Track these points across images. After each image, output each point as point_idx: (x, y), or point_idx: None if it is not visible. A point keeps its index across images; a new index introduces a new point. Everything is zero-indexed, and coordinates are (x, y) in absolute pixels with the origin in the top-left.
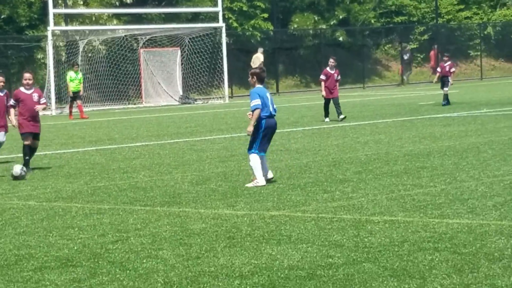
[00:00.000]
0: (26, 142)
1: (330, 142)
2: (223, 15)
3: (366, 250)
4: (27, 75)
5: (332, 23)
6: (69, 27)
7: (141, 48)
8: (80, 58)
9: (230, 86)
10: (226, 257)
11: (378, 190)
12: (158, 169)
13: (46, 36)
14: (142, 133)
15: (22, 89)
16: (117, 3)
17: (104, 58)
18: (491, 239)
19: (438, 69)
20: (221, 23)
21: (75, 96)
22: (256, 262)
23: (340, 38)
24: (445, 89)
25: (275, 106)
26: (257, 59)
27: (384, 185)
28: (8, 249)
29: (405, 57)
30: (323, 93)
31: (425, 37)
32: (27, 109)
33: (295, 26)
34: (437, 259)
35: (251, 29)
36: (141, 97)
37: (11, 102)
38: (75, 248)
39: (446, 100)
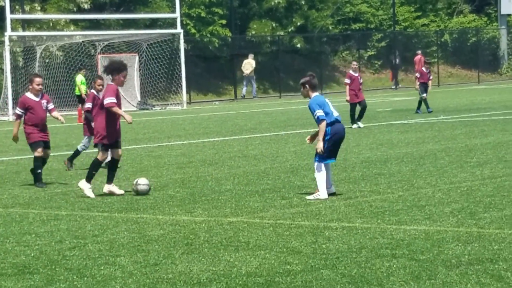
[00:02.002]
0: (37, 154)
1: (288, 148)
2: (181, 21)
3: (324, 257)
4: (38, 79)
5: (290, 29)
6: (27, 33)
7: (99, 53)
8: (37, 63)
9: (188, 92)
10: (184, 264)
11: (336, 197)
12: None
13: (3, 42)
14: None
15: (29, 95)
16: (75, 9)
17: (62, 64)
18: (448, 246)
19: (417, 74)
20: (179, 29)
21: (80, 98)
22: (214, 269)
23: (298, 45)
24: (424, 95)
25: (337, 113)
26: (249, 64)
27: (342, 191)
28: None
29: (395, 62)
30: (348, 97)
31: (383, 44)
32: (36, 117)
33: (253, 32)
34: (394, 266)
35: (209, 35)
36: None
37: (18, 111)
38: (32, 254)
39: (426, 105)
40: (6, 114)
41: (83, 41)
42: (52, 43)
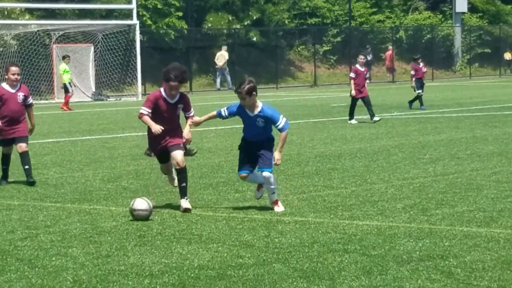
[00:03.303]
0: (5, 151)
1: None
2: (137, 12)
3: (277, 251)
4: (13, 69)
5: (246, 23)
6: None
7: (54, 43)
8: None
9: (143, 83)
10: (137, 256)
11: (289, 191)
12: (69, 166)
13: None
14: (53, 130)
15: (4, 85)
16: None
17: (16, 53)
18: (399, 242)
19: (413, 72)
20: (135, 21)
21: (66, 87)
22: (167, 261)
23: (254, 38)
24: (420, 91)
25: None
26: (222, 56)
27: (295, 185)
28: None
29: (369, 58)
30: (353, 92)
31: (338, 39)
32: (8, 109)
33: (209, 25)
34: (346, 260)
35: (165, 27)
36: (53, 93)
37: None
38: None
39: (421, 102)
40: None
41: (38, 30)
42: (7, 31)
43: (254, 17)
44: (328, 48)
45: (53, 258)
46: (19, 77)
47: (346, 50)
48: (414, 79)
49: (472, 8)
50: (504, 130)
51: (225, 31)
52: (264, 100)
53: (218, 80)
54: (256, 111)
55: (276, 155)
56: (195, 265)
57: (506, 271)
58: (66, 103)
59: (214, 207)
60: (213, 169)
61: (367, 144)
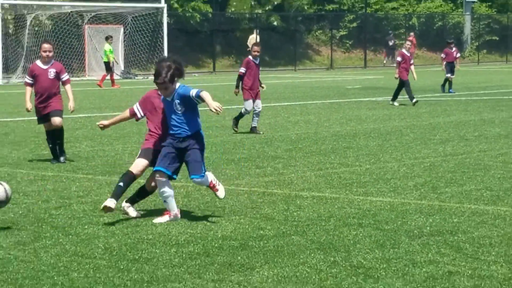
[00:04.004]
0: (46, 127)
1: (263, 121)
2: None
3: (295, 224)
4: (45, 46)
5: (267, 8)
6: (18, 1)
7: (86, 24)
8: (27, 31)
9: None
10: (163, 226)
11: (307, 167)
12: (99, 140)
13: None
14: (85, 105)
15: (38, 62)
16: None
17: (50, 33)
18: (411, 217)
19: (443, 55)
20: (163, 4)
21: (107, 65)
22: (192, 231)
23: (275, 23)
24: (451, 75)
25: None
26: (253, 39)
27: (313, 162)
28: None
29: (390, 43)
30: (396, 75)
31: (354, 24)
32: (39, 86)
33: (233, 9)
34: (361, 234)
35: (191, 10)
36: (85, 71)
37: (26, 78)
38: (20, 212)
39: (450, 86)
40: None
41: (71, 12)
42: (42, 12)
43: (275, 3)
44: (344, 33)
45: (86, 227)
46: (51, 54)
47: (361, 35)
48: (444, 62)
49: None
50: (510, 113)
51: (247, 15)
52: (283, 81)
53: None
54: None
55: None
56: (219, 235)
57: None
58: (112, 81)
59: (236, 182)
60: (235, 146)
61: (380, 125)
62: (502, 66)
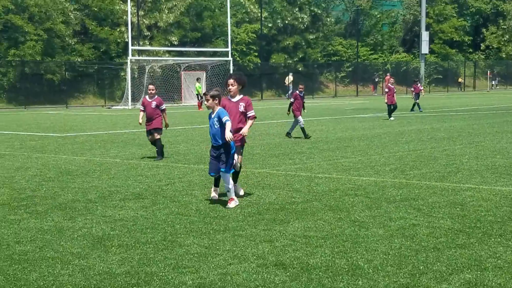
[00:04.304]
0: (150, 139)
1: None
2: (231, 52)
3: (314, 194)
4: (150, 86)
5: (295, 59)
6: (140, 58)
7: (182, 71)
8: (146, 76)
9: None
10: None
11: (321, 159)
12: (191, 142)
13: (126, 62)
14: (182, 121)
15: (147, 97)
16: (168, 44)
17: (160, 76)
18: (388, 190)
19: (412, 89)
20: (229, 58)
21: (199, 95)
22: (250, 199)
23: (300, 68)
24: (417, 100)
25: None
26: (289, 79)
27: (325, 156)
28: (104, 187)
29: (376, 80)
30: (385, 100)
31: (350, 69)
32: (147, 112)
33: (273, 60)
34: (356, 200)
35: (247, 61)
36: (181, 100)
37: (140, 107)
38: (143, 187)
39: (418, 107)
40: (127, 104)
41: (173, 63)
42: (155, 64)
43: (300, 56)
44: (344, 74)
45: (184, 197)
46: (153, 92)
47: (354, 75)
48: (413, 93)
49: (431, 51)
50: (450, 124)
51: (282, 64)
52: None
53: (289, 92)
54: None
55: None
56: (266, 201)
57: (453, 208)
58: (199, 106)
59: (277, 168)
60: (276, 146)
61: (367, 132)
62: (444, 94)
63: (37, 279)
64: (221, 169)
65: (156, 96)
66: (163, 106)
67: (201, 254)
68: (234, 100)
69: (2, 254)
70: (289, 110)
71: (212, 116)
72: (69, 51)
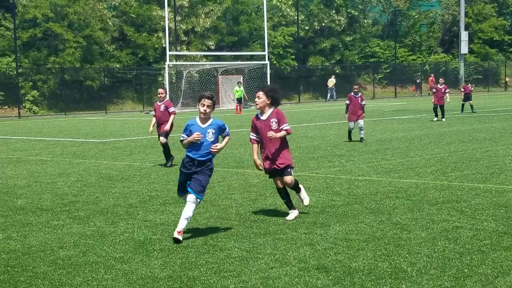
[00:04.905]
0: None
1: (332, 132)
2: (268, 56)
3: (355, 197)
4: (160, 90)
5: (332, 61)
6: (177, 62)
7: (219, 75)
8: (183, 80)
9: None
10: (271, 200)
11: (361, 161)
12: (230, 146)
13: (164, 68)
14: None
15: (157, 101)
16: (205, 48)
17: (198, 81)
18: (430, 192)
19: (462, 89)
20: (266, 61)
21: (239, 99)
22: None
23: (337, 71)
24: (468, 101)
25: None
26: (332, 81)
27: (365, 158)
28: (144, 192)
29: (417, 81)
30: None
31: (388, 70)
32: (156, 116)
33: (310, 63)
34: (397, 203)
35: (284, 64)
36: (219, 103)
37: (153, 112)
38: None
39: (471, 108)
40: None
41: (210, 68)
42: (192, 68)
43: (337, 58)
44: (381, 76)
45: (224, 201)
46: (163, 95)
47: (392, 77)
48: (463, 94)
49: (471, 51)
50: (492, 125)
51: (319, 66)
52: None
53: (328, 96)
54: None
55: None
56: (307, 205)
57: (498, 210)
58: (238, 109)
59: (316, 171)
60: (315, 148)
61: (407, 133)
62: (485, 94)
63: (81, 283)
64: (195, 194)
65: (166, 99)
66: (172, 109)
67: (242, 258)
68: (263, 117)
69: (46, 259)
70: (346, 113)
71: (209, 123)
72: (108, 58)
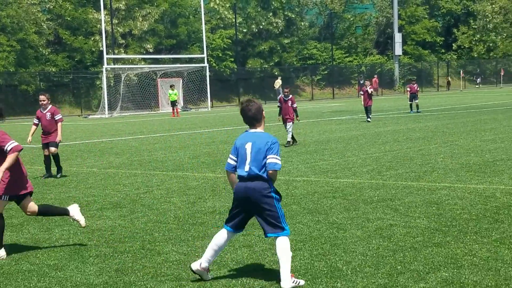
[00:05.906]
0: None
1: (271, 133)
2: (207, 59)
3: (293, 198)
4: (40, 97)
5: (271, 64)
6: (115, 66)
7: (158, 78)
8: (122, 84)
9: (211, 100)
10: (211, 202)
11: (299, 162)
12: (169, 149)
13: (102, 71)
14: (159, 128)
15: (40, 109)
16: (144, 51)
17: (136, 84)
18: (365, 191)
19: (408, 89)
20: (205, 64)
21: (173, 102)
22: (228, 206)
23: (276, 73)
24: (415, 101)
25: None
26: (278, 82)
27: (303, 159)
28: (81, 197)
29: (361, 82)
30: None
31: (325, 72)
32: (42, 125)
33: (249, 65)
34: (334, 203)
35: (223, 67)
36: (158, 107)
37: (34, 120)
38: (121, 196)
39: (417, 107)
40: (104, 113)
41: (149, 71)
42: (131, 72)
43: (276, 60)
44: (319, 77)
45: (162, 204)
46: (45, 102)
47: (330, 78)
48: (409, 94)
49: (405, 52)
50: (425, 124)
51: (258, 69)
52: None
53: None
54: None
55: None
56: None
57: (430, 207)
58: (174, 112)
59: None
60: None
61: (344, 134)
62: (419, 94)
63: None
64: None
65: (50, 106)
66: (59, 116)
67: (180, 261)
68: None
69: None
70: (279, 115)
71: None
72: (43, 61)
